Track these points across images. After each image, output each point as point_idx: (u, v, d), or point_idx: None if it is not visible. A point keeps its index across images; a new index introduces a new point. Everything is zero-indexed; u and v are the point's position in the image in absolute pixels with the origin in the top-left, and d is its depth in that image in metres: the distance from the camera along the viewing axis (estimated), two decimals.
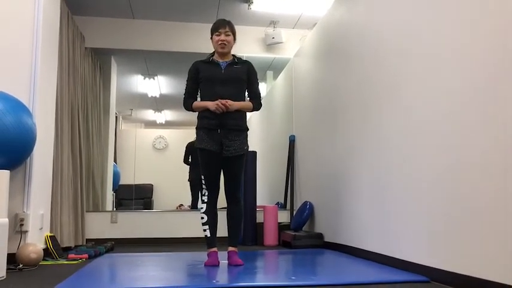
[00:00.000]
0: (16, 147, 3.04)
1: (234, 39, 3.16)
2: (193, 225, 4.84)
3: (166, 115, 7.45)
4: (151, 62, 6.15)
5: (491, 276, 1.93)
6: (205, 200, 3.08)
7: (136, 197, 6.11)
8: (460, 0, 2.21)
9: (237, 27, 3.21)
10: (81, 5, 5.05)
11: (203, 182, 3.08)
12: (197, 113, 3.14)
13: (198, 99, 3.16)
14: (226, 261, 3.03)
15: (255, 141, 6.79)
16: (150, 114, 7.42)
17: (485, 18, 2.03)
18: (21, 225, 3.27)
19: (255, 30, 5.65)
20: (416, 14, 2.63)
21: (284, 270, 2.92)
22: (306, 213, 4.49)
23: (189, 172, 6.12)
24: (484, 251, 1.98)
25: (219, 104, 2.96)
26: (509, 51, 1.87)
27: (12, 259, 3.10)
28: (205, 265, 2.98)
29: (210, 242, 3.06)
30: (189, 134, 4.27)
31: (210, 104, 3.00)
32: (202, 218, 3.06)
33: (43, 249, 3.29)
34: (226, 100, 2.98)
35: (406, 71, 2.73)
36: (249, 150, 3.13)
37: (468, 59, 2.13)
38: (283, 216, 5.16)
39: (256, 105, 3.18)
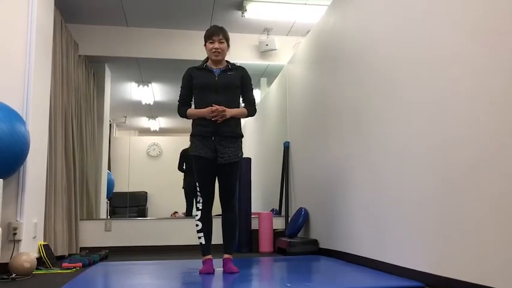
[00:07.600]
0: (9, 156, 3.02)
1: (228, 45, 3.16)
2: (188, 233, 4.82)
3: (161, 122, 7.44)
4: (145, 69, 6.15)
5: (485, 281, 1.93)
6: (200, 207, 3.07)
7: (130, 205, 6.08)
8: (451, 6, 2.24)
9: (230, 35, 3.20)
10: (75, 13, 5.04)
11: (198, 189, 3.07)
12: (191, 120, 3.14)
13: (193, 105, 3.16)
14: (221, 269, 3.02)
15: (249, 147, 6.78)
16: (144, 122, 7.41)
17: (477, 24, 2.05)
18: (14, 234, 3.24)
19: (249, 38, 5.68)
20: (408, 20, 2.65)
21: (279, 277, 2.92)
22: (301, 219, 4.49)
23: (184, 179, 6.11)
24: (479, 256, 1.98)
25: (215, 109, 2.95)
26: (502, 54, 1.89)
27: (5, 268, 3.07)
28: (200, 273, 2.97)
29: (205, 249, 3.05)
30: (184, 141, 4.27)
31: (205, 112, 2.99)
32: (197, 225, 3.05)
33: (36, 258, 3.26)
34: (223, 107, 2.98)
35: (399, 76, 2.75)
36: (244, 156, 3.13)
37: (460, 64, 2.15)
38: (278, 223, 5.15)
39: (251, 111, 3.18)
